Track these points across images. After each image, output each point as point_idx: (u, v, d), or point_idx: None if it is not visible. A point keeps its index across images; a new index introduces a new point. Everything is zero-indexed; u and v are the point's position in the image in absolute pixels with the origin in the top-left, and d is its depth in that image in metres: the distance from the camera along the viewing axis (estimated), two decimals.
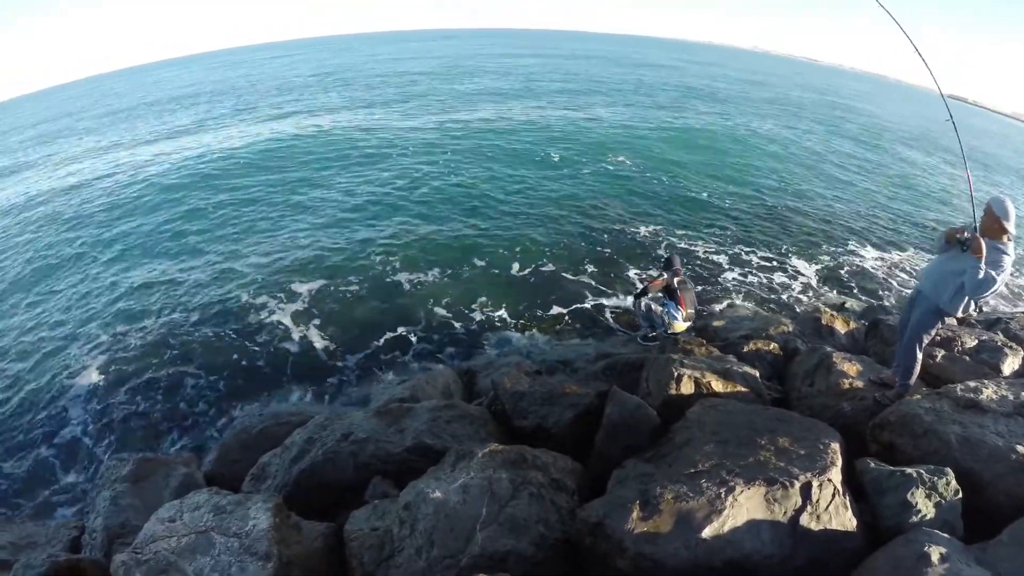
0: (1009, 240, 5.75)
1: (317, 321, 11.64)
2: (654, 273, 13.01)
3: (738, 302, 13.72)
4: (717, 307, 13.14)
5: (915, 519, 4.51)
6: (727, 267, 16.15)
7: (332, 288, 12.85)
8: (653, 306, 9.84)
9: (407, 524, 4.72)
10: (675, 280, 9.50)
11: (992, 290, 5.66)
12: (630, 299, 11.82)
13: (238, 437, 7.78)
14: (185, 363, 10.45)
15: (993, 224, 5.73)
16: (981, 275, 5.57)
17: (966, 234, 5.79)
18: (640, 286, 11.10)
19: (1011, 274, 5.91)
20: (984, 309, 13.57)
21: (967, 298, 5.93)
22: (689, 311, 9.56)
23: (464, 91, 42.62)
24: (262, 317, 11.76)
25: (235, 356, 10.59)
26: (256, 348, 10.81)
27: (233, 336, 11.20)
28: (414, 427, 6.30)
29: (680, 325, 9.50)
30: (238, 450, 7.58)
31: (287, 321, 11.61)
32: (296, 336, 11.17)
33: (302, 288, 12.79)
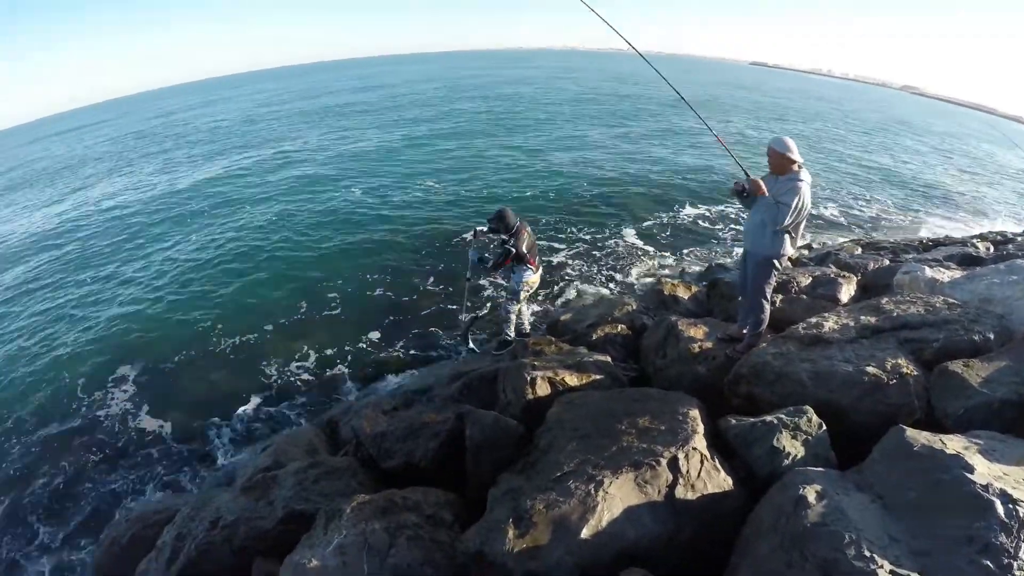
0: (800, 168, 6.19)
1: (159, 404, 11.07)
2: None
3: (581, 290, 14.24)
4: (561, 300, 13.42)
5: (787, 462, 4.71)
6: (562, 254, 16.72)
7: (163, 366, 12.27)
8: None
9: None
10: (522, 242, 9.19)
11: (792, 215, 6.09)
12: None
13: (109, 551, 7.27)
14: (25, 480, 9.56)
15: (780, 161, 6.18)
16: (775, 208, 6.07)
17: (743, 184, 6.23)
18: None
19: (811, 202, 6.29)
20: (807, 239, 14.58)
21: (782, 235, 6.24)
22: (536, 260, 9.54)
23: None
24: (99, 410, 11.03)
25: (80, 459, 9.84)
26: (102, 446, 10.11)
27: (69, 437, 10.40)
28: (282, 496, 6.08)
29: (534, 278, 9.57)
30: (113, 565, 7.08)
31: (130, 410, 10.97)
32: (141, 425, 10.56)
33: (130, 371, 12.12)
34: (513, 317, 9.82)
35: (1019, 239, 15.09)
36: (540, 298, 12.60)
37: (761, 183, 6.14)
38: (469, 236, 8.92)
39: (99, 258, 19.61)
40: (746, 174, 6.28)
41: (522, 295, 9.68)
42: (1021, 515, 3.34)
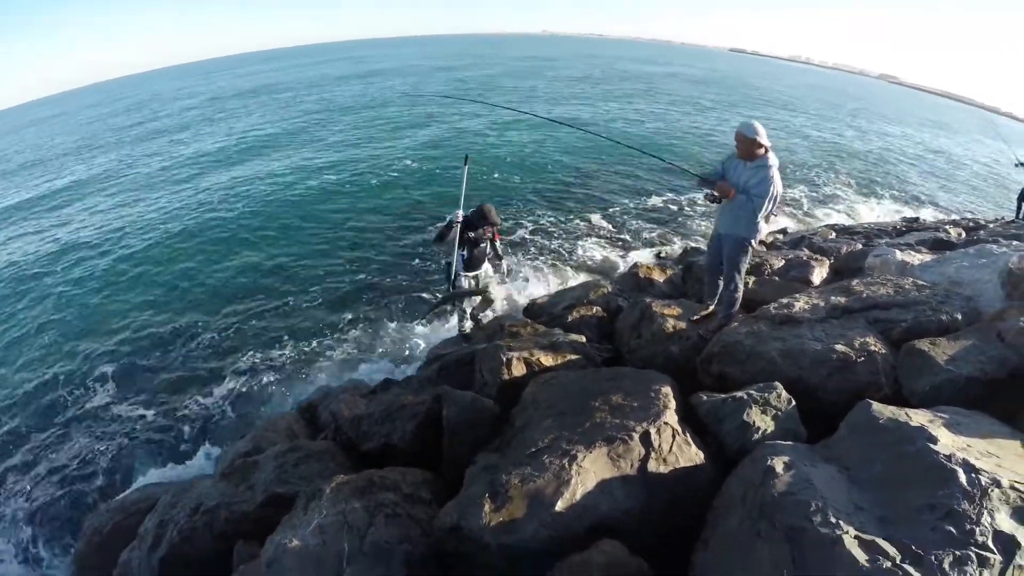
0: (768, 152, 6.21)
1: (137, 394, 11.08)
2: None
3: (556, 273, 14.25)
4: (538, 285, 13.47)
5: (757, 436, 4.79)
6: (535, 236, 16.86)
7: (140, 356, 12.26)
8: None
9: None
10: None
11: (766, 205, 6.19)
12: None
13: (91, 541, 7.29)
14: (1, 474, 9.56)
15: (749, 146, 6.21)
16: (749, 206, 6.19)
17: (713, 193, 6.45)
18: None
19: (783, 186, 6.39)
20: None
21: (758, 220, 6.33)
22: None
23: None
24: (76, 401, 11.03)
25: (58, 450, 9.85)
26: (79, 437, 10.11)
27: (46, 429, 10.40)
28: (263, 479, 6.13)
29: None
30: (95, 555, 7.11)
31: (108, 400, 10.96)
32: (120, 415, 10.55)
33: (108, 362, 12.09)
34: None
35: (991, 226, 15.31)
36: (514, 281, 12.72)
37: (729, 187, 6.25)
38: (451, 219, 8.87)
39: (70, 249, 19.44)
40: (712, 183, 6.41)
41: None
42: (983, 483, 3.40)
